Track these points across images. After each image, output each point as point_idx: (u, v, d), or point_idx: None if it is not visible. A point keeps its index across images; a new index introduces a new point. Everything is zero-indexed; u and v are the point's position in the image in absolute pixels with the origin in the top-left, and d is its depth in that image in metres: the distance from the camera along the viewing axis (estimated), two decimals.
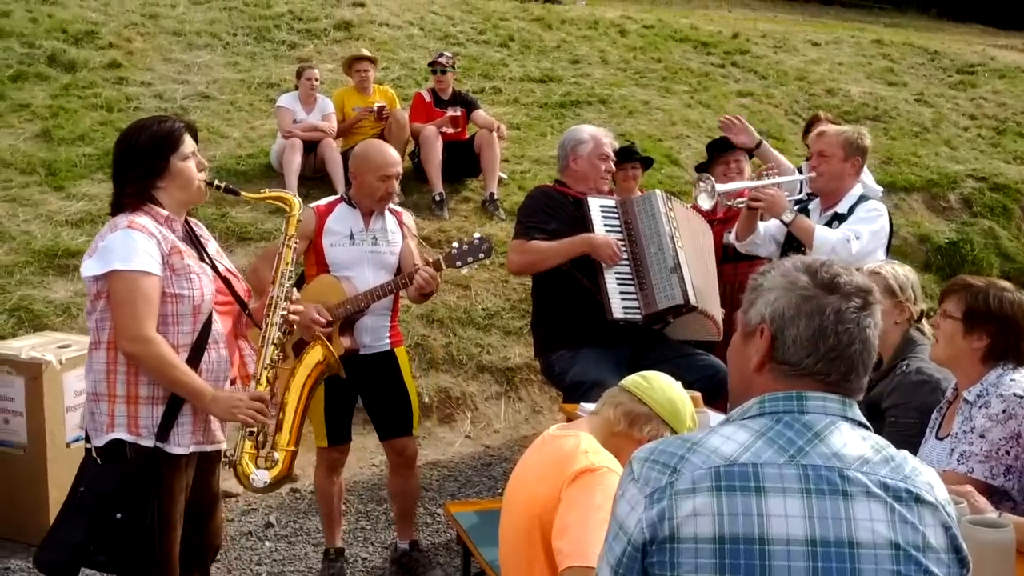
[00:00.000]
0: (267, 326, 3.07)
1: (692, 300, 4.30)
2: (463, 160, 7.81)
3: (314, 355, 3.33)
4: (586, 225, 4.39)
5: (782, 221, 4.30)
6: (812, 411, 1.63)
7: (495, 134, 7.75)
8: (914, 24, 21.01)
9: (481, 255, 4.05)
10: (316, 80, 7.80)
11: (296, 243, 3.21)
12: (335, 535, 4.27)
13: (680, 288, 4.27)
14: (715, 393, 4.31)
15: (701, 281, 4.43)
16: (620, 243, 4.38)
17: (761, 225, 4.51)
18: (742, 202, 4.49)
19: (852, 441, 1.61)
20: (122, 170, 2.94)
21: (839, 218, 4.26)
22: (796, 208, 4.42)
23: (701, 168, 5.65)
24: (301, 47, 10.07)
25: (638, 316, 4.31)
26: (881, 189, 6.18)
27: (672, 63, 11.54)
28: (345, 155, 7.63)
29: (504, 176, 8.11)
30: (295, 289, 3.25)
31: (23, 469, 4.32)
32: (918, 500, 1.58)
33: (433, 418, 5.99)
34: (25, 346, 4.42)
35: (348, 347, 4.00)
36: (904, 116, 11.21)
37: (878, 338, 1.70)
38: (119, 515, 2.74)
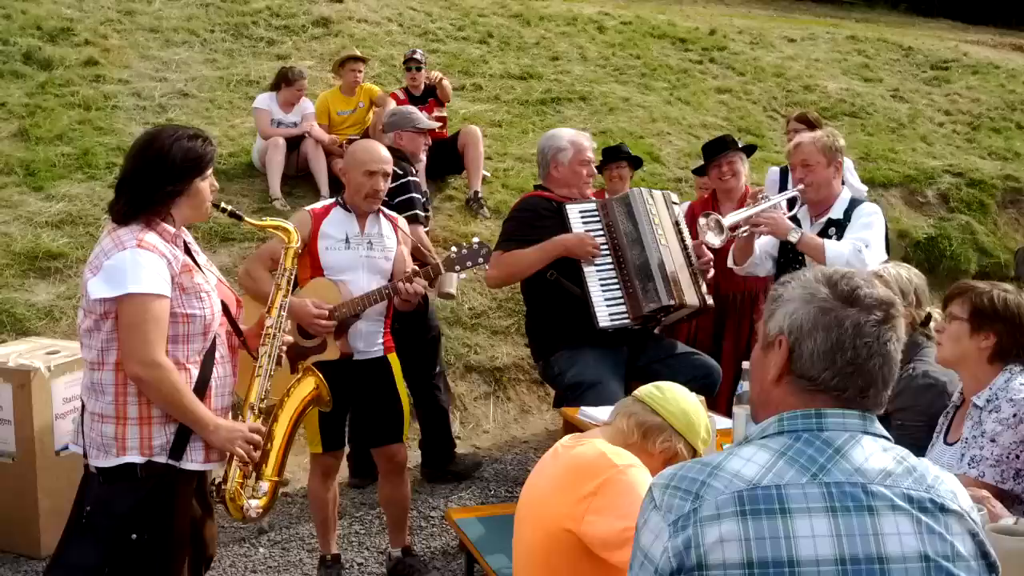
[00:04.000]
0: (262, 355, 3.05)
1: (679, 298, 4.31)
2: (446, 158, 7.77)
3: (306, 386, 3.24)
4: (568, 232, 4.39)
5: (789, 241, 4.22)
6: (831, 428, 1.63)
7: (480, 133, 7.72)
8: (885, 19, 21.17)
9: (480, 260, 4.05)
10: (304, 88, 7.72)
11: (294, 275, 3.22)
12: (330, 541, 4.24)
13: (665, 288, 4.28)
14: (707, 392, 4.33)
15: (686, 273, 4.42)
16: (603, 246, 4.37)
17: (756, 245, 4.48)
18: (744, 231, 4.46)
19: (874, 454, 1.61)
20: (144, 178, 2.81)
21: (835, 224, 4.24)
22: (794, 210, 4.44)
23: (698, 172, 5.63)
24: (280, 44, 9.97)
25: (626, 321, 4.31)
26: (866, 188, 6.21)
27: (651, 59, 11.55)
28: (328, 154, 7.60)
29: (487, 174, 8.09)
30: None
31: (12, 478, 4.26)
32: (943, 509, 1.59)
33: None
34: (12, 353, 4.35)
35: (343, 352, 3.97)
36: (881, 112, 11.29)
37: (899, 349, 1.68)
38: (135, 536, 2.69)
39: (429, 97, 7.91)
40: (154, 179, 2.80)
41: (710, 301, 4.54)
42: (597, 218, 4.45)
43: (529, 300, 4.71)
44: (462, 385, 6.25)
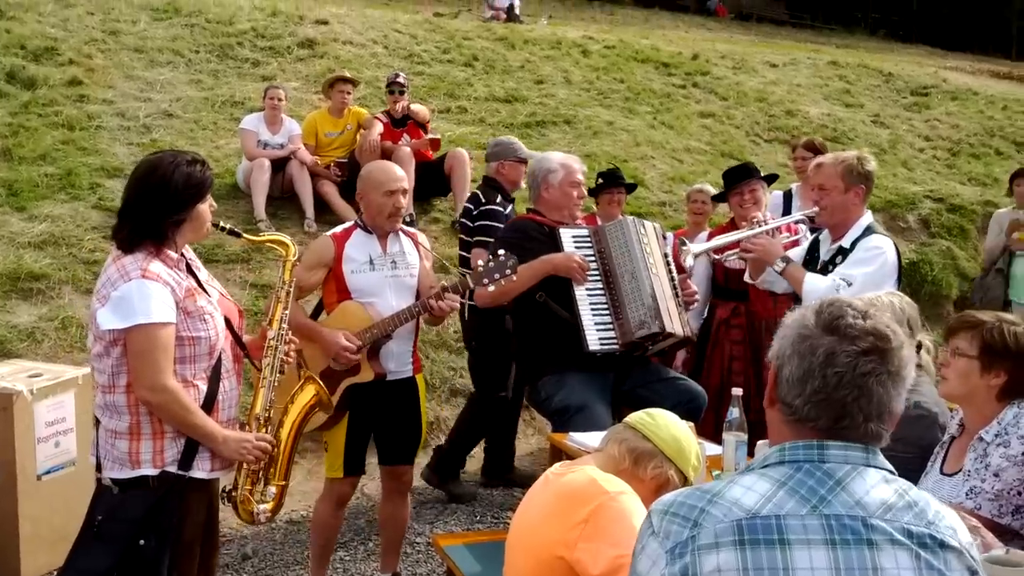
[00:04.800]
0: (265, 367, 3.16)
1: (668, 327, 4.31)
2: (432, 180, 7.78)
3: (307, 393, 3.36)
4: None
5: (775, 270, 4.17)
6: (833, 459, 1.62)
7: (467, 156, 7.73)
8: (864, 45, 21.47)
9: (508, 271, 4.01)
10: (280, 100, 7.72)
11: (293, 287, 3.29)
12: (324, 570, 4.20)
13: (655, 317, 4.28)
14: (692, 417, 4.32)
15: (673, 303, 4.44)
16: (594, 271, 4.38)
17: None
18: (734, 255, 4.45)
19: (875, 487, 1.60)
20: (149, 206, 2.89)
21: (842, 252, 4.10)
22: (812, 236, 4.39)
23: (717, 199, 5.63)
24: (265, 65, 9.97)
25: (615, 346, 4.31)
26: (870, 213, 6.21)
27: (635, 83, 11.63)
28: (313, 176, 7.58)
29: None
30: (291, 330, 3.30)
31: None
32: (943, 546, 1.58)
33: None
34: None
35: (376, 372, 3.97)
36: (862, 137, 11.40)
37: (897, 386, 1.65)
38: (143, 541, 2.80)
39: (408, 120, 7.92)
40: (158, 207, 2.88)
41: (692, 333, 4.57)
42: (590, 243, 4.46)
43: (517, 324, 4.70)
44: (447, 409, 6.22)
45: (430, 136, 7.87)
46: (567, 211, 4.58)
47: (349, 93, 7.92)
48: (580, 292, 4.35)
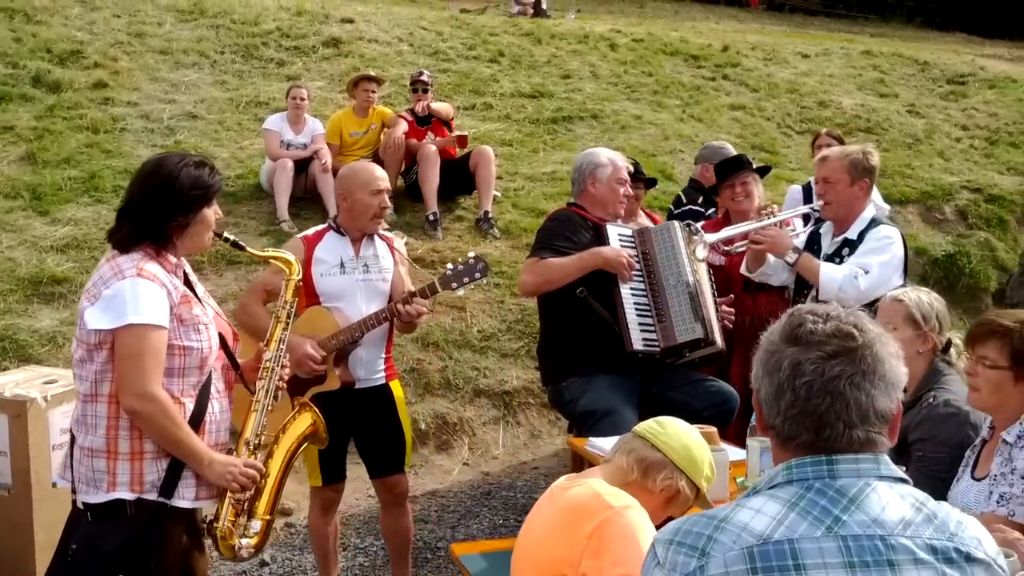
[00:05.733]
0: (259, 390, 2.96)
1: (710, 336, 4.19)
2: (457, 178, 7.69)
3: (302, 422, 3.13)
4: None
5: (786, 262, 4.14)
6: (844, 475, 1.52)
7: (492, 154, 7.63)
8: (899, 34, 21.07)
9: (477, 275, 3.93)
10: (303, 99, 7.67)
11: (294, 308, 3.12)
12: (331, 575, 4.13)
13: (700, 322, 4.16)
14: (725, 421, 4.20)
15: (713, 316, 4.33)
16: (637, 273, 4.27)
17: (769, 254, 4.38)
18: (741, 247, 4.35)
19: (891, 502, 1.50)
20: (152, 205, 2.74)
21: (849, 244, 4.09)
22: (811, 227, 4.31)
23: (711, 192, 5.49)
24: (290, 64, 9.94)
25: (656, 348, 4.18)
26: (888, 207, 6.08)
27: (663, 77, 11.47)
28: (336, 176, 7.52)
29: (498, 194, 8.00)
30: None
31: (7, 511, 4.15)
32: (969, 559, 1.48)
33: (430, 445, 5.85)
34: (9, 382, 4.26)
35: (344, 380, 3.87)
36: (897, 127, 11.16)
37: (875, 384, 1.53)
38: (121, 575, 2.62)
39: (433, 118, 7.83)
40: (161, 207, 2.74)
41: (724, 346, 4.42)
42: (633, 244, 4.35)
43: (546, 320, 4.56)
44: (470, 410, 6.13)
45: (457, 133, 7.78)
46: (611, 208, 4.44)
47: (374, 92, 7.86)
48: (625, 291, 4.22)
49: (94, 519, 2.68)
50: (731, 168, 5.12)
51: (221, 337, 2.90)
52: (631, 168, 4.62)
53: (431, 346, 6.34)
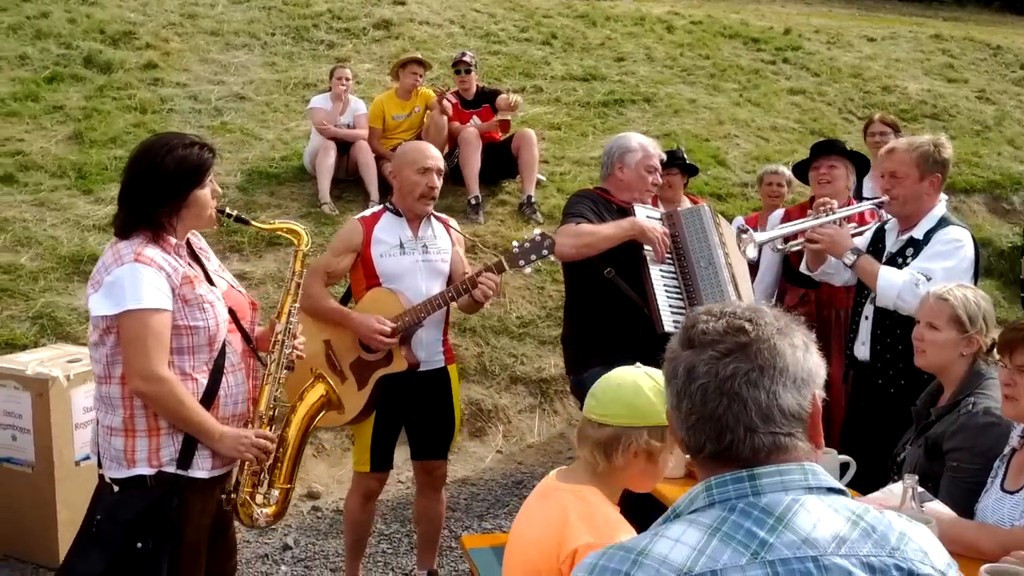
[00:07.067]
0: (271, 362, 3.00)
1: None
2: (500, 161, 7.55)
3: (316, 392, 3.18)
4: None
5: (844, 263, 3.86)
6: (768, 489, 1.36)
7: (534, 136, 7.47)
8: (975, 18, 20.32)
9: (544, 251, 3.78)
10: (347, 80, 7.59)
11: (303, 279, 3.14)
12: (357, 567, 4.06)
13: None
14: None
15: (751, 299, 4.14)
16: (667, 254, 4.10)
17: None
18: (797, 245, 4.10)
19: (823, 517, 1.34)
20: (140, 191, 2.77)
21: (914, 244, 3.78)
22: (874, 224, 4.07)
23: (797, 169, 5.22)
24: (340, 47, 9.90)
25: None
26: (947, 197, 5.75)
27: (721, 60, 11.18)
28: (379, 158, 7.45)
29: (543, 178, 7.85)
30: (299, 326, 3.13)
31: (31, 488, 4.17)
32: (912, 575, 1.33)
33: (464, 432, 5.74)
34: (33, 360, 4.26)
35: (410, 362, 3.79)
36: (964, 114, 10.73)
37: (776, 380, 1.38)
38: (140, 544, 2.67)
39: (483, 103, 7.69)
40: (149, 192, 2.75)
41: None
42: (661, 225, 4.18)
43: (573, 303, 4.41)
44: (506, 397, 6.01)
45: (499, 117, 7.63)
46: (638, 194, 4.27)
47: (420, 75, 7.74)
48: (654, 271, 4.06)
49: (119, 491, 2.76)
50: (822, 150, 4.86)
51: (232, 311, 2.91)
52: (663, 156, 4.42)
53: (468, 331, 6.23)
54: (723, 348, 1.39)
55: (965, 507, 2.61)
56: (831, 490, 1.39)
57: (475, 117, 7.66)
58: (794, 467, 1.38)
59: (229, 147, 7.74)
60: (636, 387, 2.14)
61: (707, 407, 1.39)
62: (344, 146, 7.42)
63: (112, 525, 2.71)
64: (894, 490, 2.65)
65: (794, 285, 4.92)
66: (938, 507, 2.51)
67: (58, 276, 6.04)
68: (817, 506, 1.35)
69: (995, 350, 2.83)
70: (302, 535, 4.67)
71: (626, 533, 2.03)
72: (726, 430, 1.38)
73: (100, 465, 2.84)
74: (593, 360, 4.11)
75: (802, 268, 4.33)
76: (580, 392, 4.31)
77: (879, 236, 4.02)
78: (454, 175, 7.60)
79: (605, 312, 4.11)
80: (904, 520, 1.39)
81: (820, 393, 1.44)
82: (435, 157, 3.88)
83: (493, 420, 5.88)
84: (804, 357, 1.43)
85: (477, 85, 7.79)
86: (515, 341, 6.31)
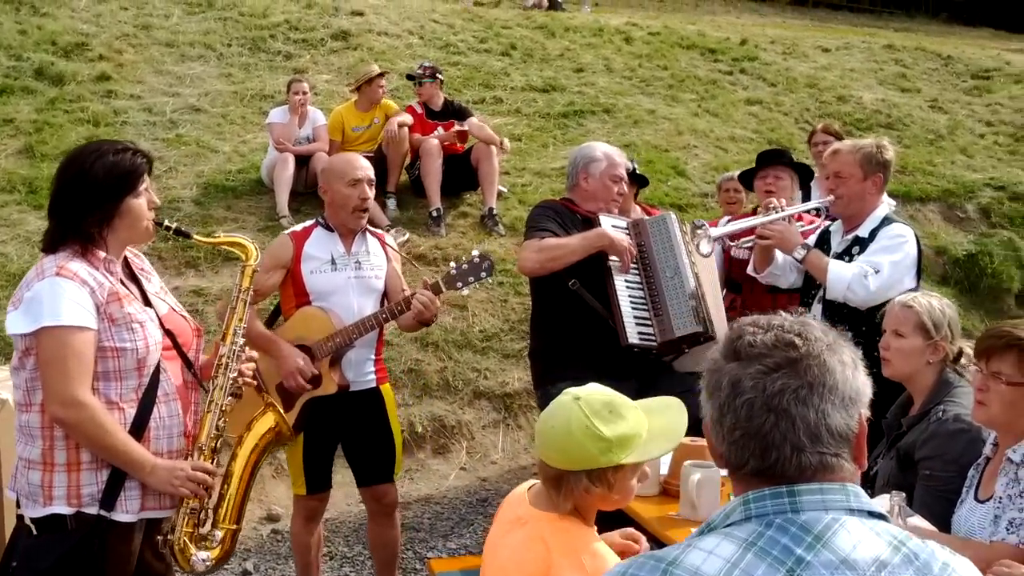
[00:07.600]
0: (213, 388, 2.77)
1: (712, 329, 3.99)
2: (461, 173, 7.51)
3: (265, 422, 2.94)
4: None
5: (794, 258, 3.97)
6: (808, 508, 1.32)
7: (494, 148, 7.42)
8: (924, 29, 20.65)
9: (483, 274, 3.74)
10: (304, 93, 7.50)
11: (251, 296, 2.92)
12: None
13: (699, 315, 3.97)
14: None
15: (715, 311, 4.13)
16: (632, 266, 4.07)
17: (780, 254, 4.18)
18: (748, 242, 4.16)
19: (864, 540, 1.30)
20: (67, 202, 2.59)
21: (860, 242, 3.88)
22: (823, 222, 4.12)
23: (744, 176, 5.27)
24: (297, 57, 9.79)
25: (653, 343, 3.99)
26: (893, 202, 5.82)
27: (679, 71, 11.23)
28: None
29: (504, 190, 7.81)
30: (246, 345, 2.93)
31: None
32: None
33: (426, 449, 5.68)
34: None
35: (340, 384, 3.70)
36: (918, 123, 10.87)
37: (826, 398, 1.34)
38: None
39: (451, 118, 7.63)
40: (77, 201, 2.56)
41: None
42: (627, 235, 4.16)
43: (540, 316, 4.37)
44: (470, 412, 5.96)
45: (456, 128, 7.58)
46: (603, 204, 4.24)
47: (384, 86, 7.68)
48: (619, 282, 4.02)
49: (37, 534, 2.53)
50: (767, 160, 4.96)
51: (172, 335, 2.71)
52: (630, 165, 4.41)
53: (430, 346, 6.17)
54: (771, 363, 1.35)
55: (940, 516, 2.61)
56: (872, 514, 1.35)
57: (440, 128, 7.60)
58: (836, 486, 1.34)
59: (185, 160, 7.61)
60: (567, 430, 2.01)
61: (752, 423, 1.34)
62: (303, 158, 7.33)
63: (28, 574, 2.50)
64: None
65: (729, 291, 4.97)
66: (919, 522, 2.50)
67: (7, 294, 5.87)
68: (858, 528, 1.31)
69: (967, 356, 2.84)
70: (262, 560, 4.58)
71: (614, 562, 1.98)
72: (772, 448, 1.34)
73: (18, 504, 2.60)
74: (561, 374, 4.07)
75: (749, 270, 4.39)
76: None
77: (824, 238, 4.11)
78: (416, 187, 7.54)
79: (571, 325, 4.07)
80: (947, 552, 1.35)
81: (866, 412, 1.40)
82: (364, 167, 3.78)
83: (456, 436, 5.82)
84: (853, 375, 1.38)
85: (445, 98, 7.74)
86: (478, 355, 6.26)
